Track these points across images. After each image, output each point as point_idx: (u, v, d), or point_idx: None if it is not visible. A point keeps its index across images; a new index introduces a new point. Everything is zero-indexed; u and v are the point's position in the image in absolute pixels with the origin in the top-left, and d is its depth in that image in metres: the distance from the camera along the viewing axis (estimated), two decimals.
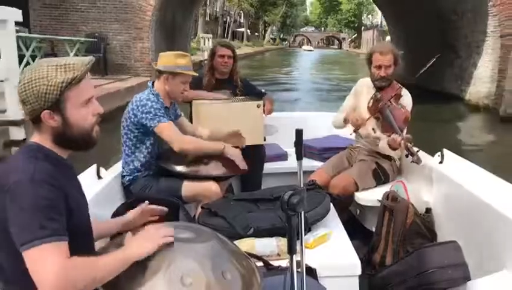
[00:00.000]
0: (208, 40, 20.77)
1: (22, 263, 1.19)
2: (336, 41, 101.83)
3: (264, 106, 3.46)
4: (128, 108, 2.60)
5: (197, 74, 2.84)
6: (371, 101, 3.06)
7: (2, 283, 1.32)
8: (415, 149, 2.67)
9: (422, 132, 6.00)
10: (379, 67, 3.01)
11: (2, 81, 5.22)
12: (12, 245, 1.20)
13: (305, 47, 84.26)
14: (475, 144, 7.45)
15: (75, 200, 1.35)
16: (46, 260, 1.16)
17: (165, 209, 1.87)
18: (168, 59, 2.66)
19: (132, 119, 2.56)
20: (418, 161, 2.65)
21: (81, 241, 1.29)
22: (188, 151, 2.61)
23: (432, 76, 11.27)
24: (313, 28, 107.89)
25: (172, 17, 13.70)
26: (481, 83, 11.03)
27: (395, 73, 3.04)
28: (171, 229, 1.38)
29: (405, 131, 2.90)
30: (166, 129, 2.54)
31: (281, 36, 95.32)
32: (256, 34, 69.53)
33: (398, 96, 3.02)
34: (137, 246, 1.31)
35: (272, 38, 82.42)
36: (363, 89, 3.22)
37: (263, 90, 3.82)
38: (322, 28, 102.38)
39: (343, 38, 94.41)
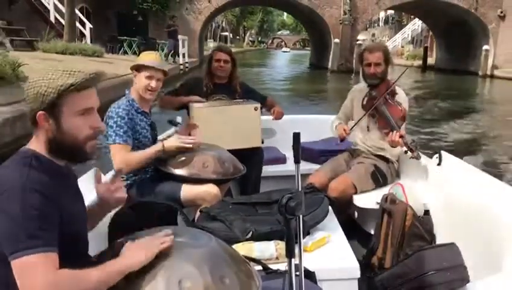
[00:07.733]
0: (210, 42, 34.73)
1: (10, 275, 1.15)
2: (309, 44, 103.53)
3: (273, 111, 3.52)
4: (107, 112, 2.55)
5: (160, 68, 2.59)
6: (365, 99, 3.07)
7: None
8: (414, 145, 2.78)
9: (317, 79, 24.85)
10: (369, 65, 3.06)
11: (183, 54, 20.72)
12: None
13: (283, 49, 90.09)
14: (326, 80, 23.84)
15: (70, 209, 1.32)
16: (33, 271, 1.13)
17: None
18: (137, 60, 2.66)
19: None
20: (417, 157, 2.79)
21: (75, 250, 1.27)
22: (131, 170, 2.55)
23: (320, 60, 31.63)
24: (288, 32, 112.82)
25: (202, 31, 29.08)
26: (332, 60, 27.29)
27: (386, 71, 3.07)
28: (170, 236, 1.34)
29: (403, 128, 2.91)
30: (116, 151, 2.47)
31: (259, 39, 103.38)
32: (238, 37, 77.72)
33: (393, 93, 3.03)
34: (131, 256, 1.27)
35: (251, 41, 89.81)
36: (357, 93, 3.25)
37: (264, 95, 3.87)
38: (299, 31, 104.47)
39: None
